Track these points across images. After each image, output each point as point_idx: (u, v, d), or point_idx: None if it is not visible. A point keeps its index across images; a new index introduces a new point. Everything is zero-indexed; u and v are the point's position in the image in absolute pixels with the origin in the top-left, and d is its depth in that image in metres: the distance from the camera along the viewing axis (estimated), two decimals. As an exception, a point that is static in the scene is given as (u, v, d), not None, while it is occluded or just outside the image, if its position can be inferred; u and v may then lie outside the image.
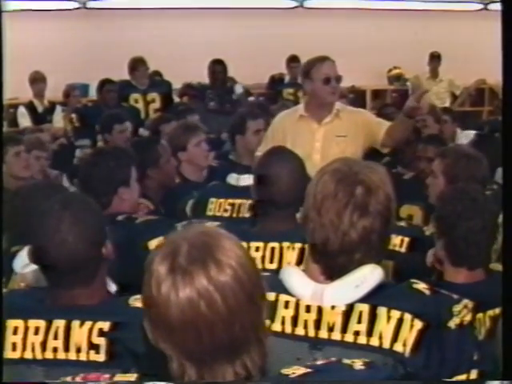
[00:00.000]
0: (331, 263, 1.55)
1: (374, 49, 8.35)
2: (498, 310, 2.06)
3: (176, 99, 6.80)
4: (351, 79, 7.23)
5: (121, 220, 2.49)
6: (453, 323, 1.50)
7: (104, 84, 6.24)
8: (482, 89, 8.76)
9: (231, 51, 7.22)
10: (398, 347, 1.49)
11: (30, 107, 6.51)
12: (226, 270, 1.18)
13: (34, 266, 1.98)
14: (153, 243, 2.29)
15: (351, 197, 1.52)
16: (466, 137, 5.06)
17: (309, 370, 1.29)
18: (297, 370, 1.28)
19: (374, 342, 1.51)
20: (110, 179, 2.55)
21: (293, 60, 7.47)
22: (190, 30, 8.00)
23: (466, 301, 1.56)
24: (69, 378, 1.36)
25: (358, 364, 1.31)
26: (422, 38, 8.41)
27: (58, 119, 6.54)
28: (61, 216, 1.70)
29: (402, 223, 2.53)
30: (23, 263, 2.07)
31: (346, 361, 1.32)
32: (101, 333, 1.65)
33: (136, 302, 1.67)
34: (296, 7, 8.64)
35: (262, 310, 1.25)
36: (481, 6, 9.13)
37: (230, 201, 3.03)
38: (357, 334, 1.52)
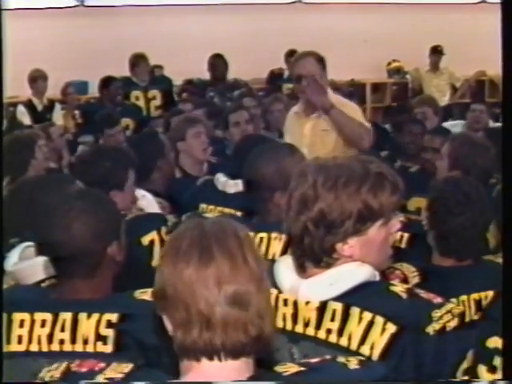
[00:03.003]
0: (301, 258, 1.55)
1: (373, 42, 8.33)
2: (483, 294, 2.02)
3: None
4: (351, 73, 7.25)
5: None
6: (431, 329, 1.46)
7: (108, 81, 6.23)
8: (483, 81, 8.75)
9: (230, 46, 7.21)
10: (365, 350, 1.47)
11: (30, 105, 6.51)
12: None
13: (23, 264, 2.00)
14: (146, 238, 2.28)
15: (306, 192, 1.52)
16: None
17: (302, 368, 1.27)
18: (290, 368, 1.27)
19: (343, 341, 1.49)
20: (103, 181, 2.51)
21: (292, 55, 7.41)
22: (189, 26, 7.99)
23: (450, 305, 1.52)
24: (64, 364, 1.36)
25: (353, 363, 1.29)
26: (421, 30, 8.40)
27: (58, 117, 6.53)
28: (72, 204, 1.73)
29: (401, 218, 2.51)
30: (13, 261, 2.07)
31: (341, 359, 1.31)
32: (109, 324, 1.66)
33: (142, 294, 1.68)
34: (295, 2, 8.63)
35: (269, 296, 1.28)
36: (479, -1, 9.12)
37: (220, 209, 3.03)
38: (329, 331, 1.51)
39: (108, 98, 6.13)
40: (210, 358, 1.20)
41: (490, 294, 1.95)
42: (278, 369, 1.27)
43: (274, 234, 2.22)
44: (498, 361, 1.44)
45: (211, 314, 1.19)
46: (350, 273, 1.53)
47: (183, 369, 1.24)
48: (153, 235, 2.34)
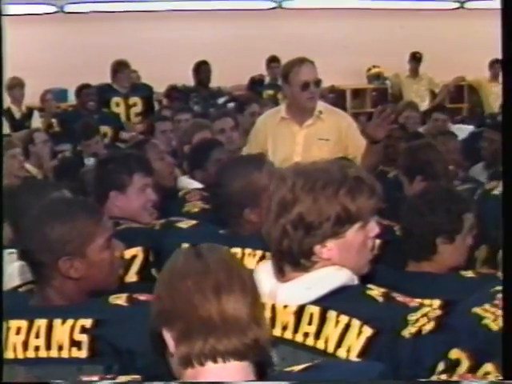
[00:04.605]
0: (280, 262, 1.57)
1: (353, 48, 8.37)
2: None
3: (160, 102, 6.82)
4: (331, 79, 7.27)
5: None
6: (407, 332, 1.47)
7: (82, 89, 6.22)
8: (461, 86, 8.82)
9: (211, 53, 7.22)
10: (342, 352, 1.48)
11: (8, 113, 6.46)
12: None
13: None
14: (129, 252, 2.22)
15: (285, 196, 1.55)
16: (458, 131, 5.13)
17: (308, 364, 1.31)
18: (295, 368, 1.31)
19: (320, 345, 1.50)
20: (102, 181, 2.52)
21: (272, 61, 7.48)
22: (170, 33, 7.99)
23: (426, 309, 1.52)
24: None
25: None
26: (401, 36, 8.45)
27: (37, 125, 6.49)
28: (41, 212, 1.74)
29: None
30: None
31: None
32: (83, 330, 1.65)
33: (116, 299, 1.69)
34: (275, 8, 8.66)
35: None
36: (457, 5, 9.19)
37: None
38: (306, 335, 1.52)
39: (81, 106, 6.12)
40: (215, 361, 1.25)
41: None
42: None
43: (247, 250, 2.21)
44: (461, 370, 1.44)
45: (213, 322, 1.24)
46: (327, 277, 1.54)
47: (189, 375, 1.27)
48: (136, 250, 2.31)
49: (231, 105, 6.47)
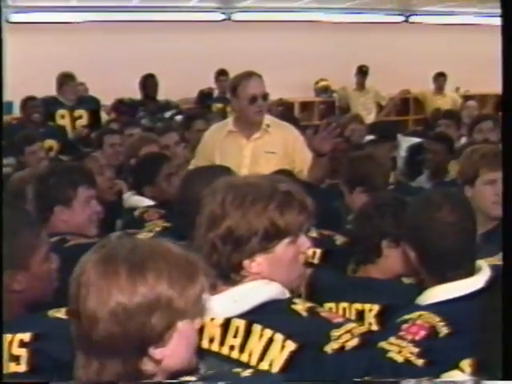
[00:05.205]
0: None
1: (301, 61, 8.44)
2: (367, 306, 2.04)
3: (105, 115, 6.74)
4: (279, 92, 7.31)
5: (53, 242, 2.41)
6: (329, 348, 1.48)
7: (27, 101, 6.12)
8: (407, 98, 8.97)
9: (159, 66, 7.19)
10: (264, 366, 1.49)
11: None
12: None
13: None
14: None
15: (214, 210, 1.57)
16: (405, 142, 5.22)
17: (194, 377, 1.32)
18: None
19: (244, 357, 1.51)
20: (45, 196, 2.47)
21: (221, 74, 7.49)
22: (117, 45, 7.93)
23: (350, 325, 1.54)
24: None
25: (247, 372, 1.34)
26: (348, 50, 8.56)
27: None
28: None
29: (314, 234, 2.52)
30: None
31: (236, 370, 1.36)
32: (22, 344, 1.62)
33: (56, 313, 1.67)
34: (224, 20, 8.68)
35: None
36: (402, 19, 9.36)
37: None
38: (232, 348, 1.53)
39: (27, 119, 6.02)
40: None
41: (376, 307, 1.99)
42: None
43: None
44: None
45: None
46: (254, 290, 1.55)
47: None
48: None
49: (179, 117, 6.46)
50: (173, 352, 1.28)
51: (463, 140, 4.96)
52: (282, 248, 1.56)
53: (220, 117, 5.80)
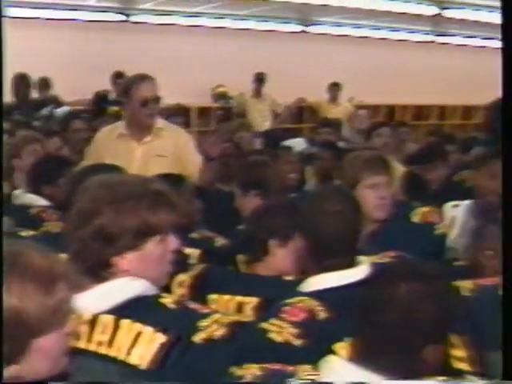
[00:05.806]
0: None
1: (199, 66, 8.45)
2: (247, 299, 2.10)
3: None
4: (176, 96, 7.28)
5: None
6: (198, 338, 1.51)
7: None
8: (302, 107, 9.14)
9: (53, 67, 7.01)
10: (133, 359, 1.51)
11: None
12: None
13: None
14: None
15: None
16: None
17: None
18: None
19: (113, 352, 1.53)
20: None
21: (118, 76, 7.36)
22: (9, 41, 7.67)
23: (216, 315, 1.58)
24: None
25: None
26: (247, 57, 8.64)
27: None
28: None
29: (194, 235, 2.57)
30: None
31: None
32: None
33: None
34: (123, 21, 8.57)
35: None
36: (301, 28, 9.54)
37: None
38: (100, 344, 1.54)
39: None
40: None
41: (255, 300, 2.06)
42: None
43: None
44: None
45: None
46: (121, 286, 1.57)
47: None
48: None
49: (60, 110, 6.34)
50: (32, 368, 1.25)
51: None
52: (152, 246, 1.60)
53: (115, 119, 5.71)
